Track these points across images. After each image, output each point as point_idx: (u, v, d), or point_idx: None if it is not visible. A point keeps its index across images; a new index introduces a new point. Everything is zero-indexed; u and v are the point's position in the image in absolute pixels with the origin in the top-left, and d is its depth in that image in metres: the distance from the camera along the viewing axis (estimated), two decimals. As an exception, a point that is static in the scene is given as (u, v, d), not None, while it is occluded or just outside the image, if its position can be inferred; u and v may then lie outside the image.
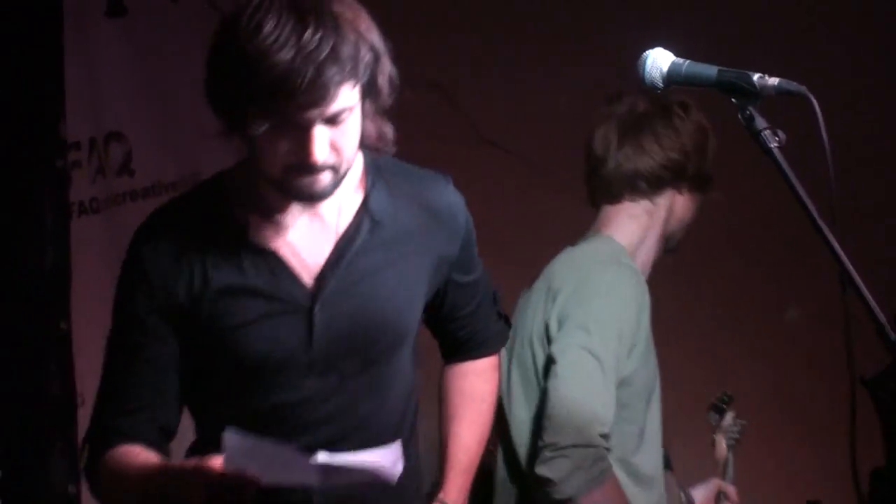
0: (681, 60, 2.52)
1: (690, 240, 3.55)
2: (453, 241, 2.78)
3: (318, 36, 2.33)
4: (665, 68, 2.51)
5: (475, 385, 2.97)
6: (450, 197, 2.81)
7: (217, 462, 2.27)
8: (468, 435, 2.95)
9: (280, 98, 2.41)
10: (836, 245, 2.30)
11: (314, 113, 2.44)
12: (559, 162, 4.38)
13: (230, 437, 2.26)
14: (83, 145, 4.22)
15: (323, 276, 2.60)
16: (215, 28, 2.52)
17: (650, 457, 3.42)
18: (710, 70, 2.50)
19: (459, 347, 2.91)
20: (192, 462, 2.40)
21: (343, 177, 2.53)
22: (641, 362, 3.38)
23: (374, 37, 2.45)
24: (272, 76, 2.34)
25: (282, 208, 2.64)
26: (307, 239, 2.64)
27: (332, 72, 2.35)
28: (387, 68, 2.49)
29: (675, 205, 3.42)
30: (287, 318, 2.61)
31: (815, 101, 2.40)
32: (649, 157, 3.39)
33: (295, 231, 2.63)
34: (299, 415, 2.65)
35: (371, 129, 2.55)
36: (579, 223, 3.59)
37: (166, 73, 4.60)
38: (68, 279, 4.02)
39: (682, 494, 3.69)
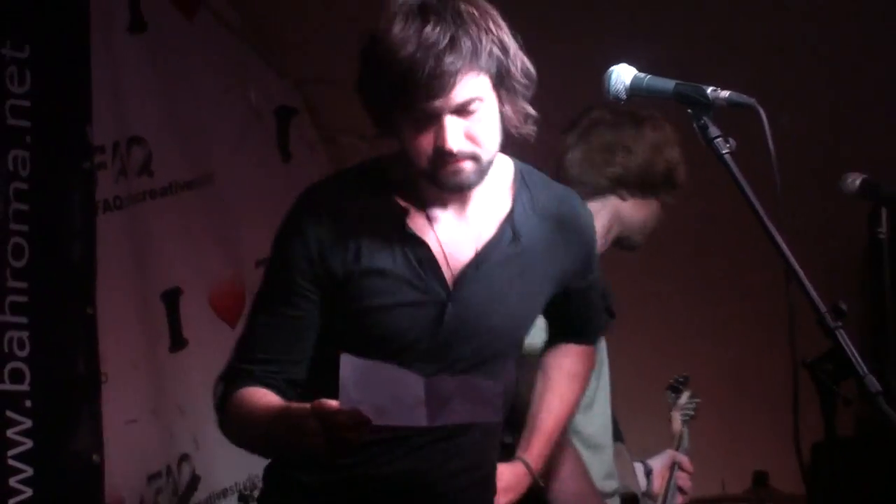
0: (642, 75, 2.56)
1: (654, 235, 3.52)
2: (580, 256, 2.77)
3: (437, 30, 2.35)
4: (628, 82, 2.54)
5: (573, 364, 2.97)
6: (582, 214, 2.79)
7: (332, 403, 2.25)
8: (558, 406, 2.94)
9: (409, 90, 2.42)
10: (781, 242, 2.37)
11: (440, 102, 2.43)
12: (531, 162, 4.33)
13: (346, 359, 2.26)
14: (107, 149, 4.28)
15: (463, 276, 2.59)
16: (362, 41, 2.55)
17: (596, 422, 3.40)
18: (668, 84, 2.55)
19: (565, 334, 2.91)
20: (310, 404, 2.37)
21: (486, 168, 2.53)
22: None
23: (502, 31, 2.44)
24: (399, 70, 2.36)
25: (435, 202, 2.63)
26: (454, 237, 2.64)
27: (449, 60, 2.36)
28: (518, 60, 2.47)
29: (620, 209, 3.40)
30: (422, 308, 2.60)
31: (762, 112, 2.46)
32: (590, 164, 3.39)
33: (443, 227, 2.62)
34: None
35: (511, 112, 2.52)
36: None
37: (182, 83, 4.72)
38: (94, 269, 4.05)
39: (642, 465, 3.71)
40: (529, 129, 2.53)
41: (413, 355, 2.53)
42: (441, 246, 2.56)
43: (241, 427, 2.67)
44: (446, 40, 2.32)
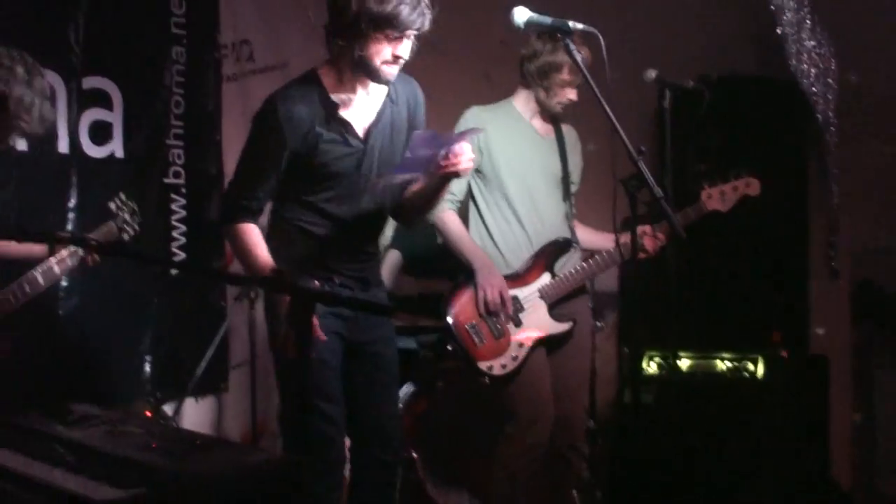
0: (535, 15, 3.42)
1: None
2: (418, 113, 3.53)
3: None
4: (524, 19, 3.42)
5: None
6: (418, 90, 3.53)
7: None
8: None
9: (403, 25, 3.11)
10: (608, 107, 3.37)
11: (413, 33, 3.12)
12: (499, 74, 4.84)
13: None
14: (228, 45, 5.38)
15: (369, 132, 3.36)
16: None
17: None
18: (547, 18, 3.44)
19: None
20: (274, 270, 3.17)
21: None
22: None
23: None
24: (398, 13, 3.07)
25: (351, 91, 3.31)
26: (362, 110, 3.36)
27: (427, 14, 3.14)
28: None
29: (536, 93, 4.33)
30: (351, 156, 3.36)
31: (602, 40, 3.37)
32: (521, 64, 4.37)
33: (357, 105, 3.32)
34: (345, 208, 3.40)
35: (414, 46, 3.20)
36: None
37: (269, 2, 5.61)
38: (220, 114, 5.25)
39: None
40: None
41: (347, 184, 3.36)
42: (356, 117, 3.33)
43: (239, 247, 3.35)
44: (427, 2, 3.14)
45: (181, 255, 5.10)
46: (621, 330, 5.95)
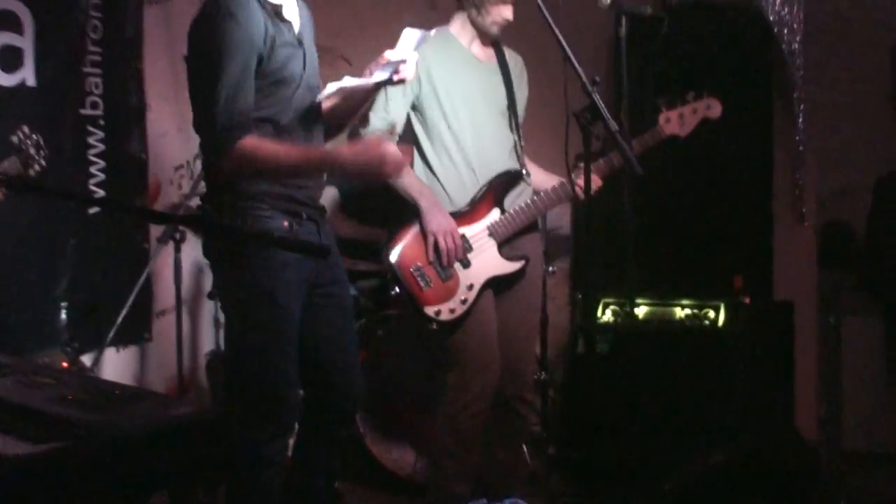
0: None
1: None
2: (312, 17, 3.77)
3: None
4: None
5: None
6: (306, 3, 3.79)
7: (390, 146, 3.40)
8: None
9: None
10: (561, 37, 3.48)
11: None
12: None
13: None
14: None
15: (300, 33, 3.64)
16: None
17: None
18: None
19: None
20: (369, 142, 3.53)
21: None
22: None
23: None
24: None
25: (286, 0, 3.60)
26: (294, 14, 3.64)
27: None
28: None
29: (469, 13, 4.37)
30: (298, 55, 3.59)
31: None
32: None
33: (287, 6, 3.58)
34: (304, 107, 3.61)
35: None
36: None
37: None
38: (141, 39, 5.32)
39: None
40: None
41: (295, 89, 3.57)
42: (291, 18, 3.60)
43: (264, 159, 3.41)
44: None
45: (100, 194, 5.11)
46: (574, 275, 5.94)
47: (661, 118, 4.43)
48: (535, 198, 4.43)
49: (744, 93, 5.42)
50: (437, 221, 4.29)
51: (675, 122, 4.43)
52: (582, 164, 3.74)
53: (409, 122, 4.45)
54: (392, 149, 3.44)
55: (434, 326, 4.43)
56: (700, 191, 5.55)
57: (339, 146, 3.55)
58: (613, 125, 3.54)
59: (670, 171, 5.26)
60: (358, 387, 3.82)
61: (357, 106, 3.88)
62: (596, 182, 4.26)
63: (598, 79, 3.55)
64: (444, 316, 4.35)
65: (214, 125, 3.37)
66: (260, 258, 3.44)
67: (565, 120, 3.60)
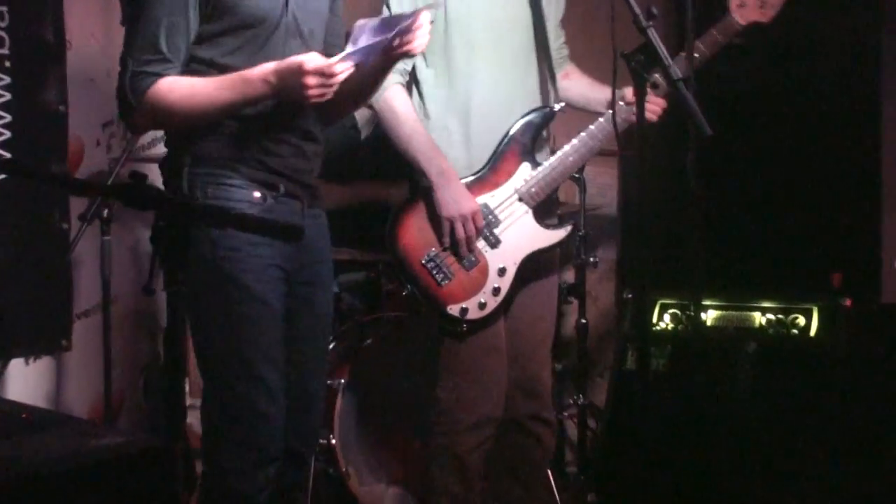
0: None
1: None
2: None
3: None
4: None
5: None
6: None
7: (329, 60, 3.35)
8: None
9: None
10: None
11: None
12: None
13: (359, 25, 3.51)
14: None
15: None
16: None
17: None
18: None
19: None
20: (299, 60, 3.37)
21: None
22: None
23: None
24: None
25: None
26: None
27: None
28: None
29: None
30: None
31: None
32: None
33: None
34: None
35: None
36: None
37: None
38: None
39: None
40: None
41: (282, 31, 3.61)
42: None
43: (181, 101, 3.48)
44: None
45: (4, 156, 5.04)
46: (622, 269, 6.05)
47: (733, 2, 4.31)
48: (575, 141, 4.35)
49: (847, 40, 5.51)
50: (453, 202, 4.23)
51: (752, 3, 4.32)
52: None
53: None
54: (318, 60, 3.36)
55: (463, 328, 4.33)
56: (788, 164, 5.59)
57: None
58: (676, 72, 3.43)
59: (751, 136, 5.44)
60: (317, 420, 3.86)
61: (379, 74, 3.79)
62: (658, 105, 4.29)
63: (654, 10, 3.44)
64: (473, 314, 4.29)
65: (124, 70, 3.47)
66: (227, 240, 3.46)
67: (612, 62, 3.54)
